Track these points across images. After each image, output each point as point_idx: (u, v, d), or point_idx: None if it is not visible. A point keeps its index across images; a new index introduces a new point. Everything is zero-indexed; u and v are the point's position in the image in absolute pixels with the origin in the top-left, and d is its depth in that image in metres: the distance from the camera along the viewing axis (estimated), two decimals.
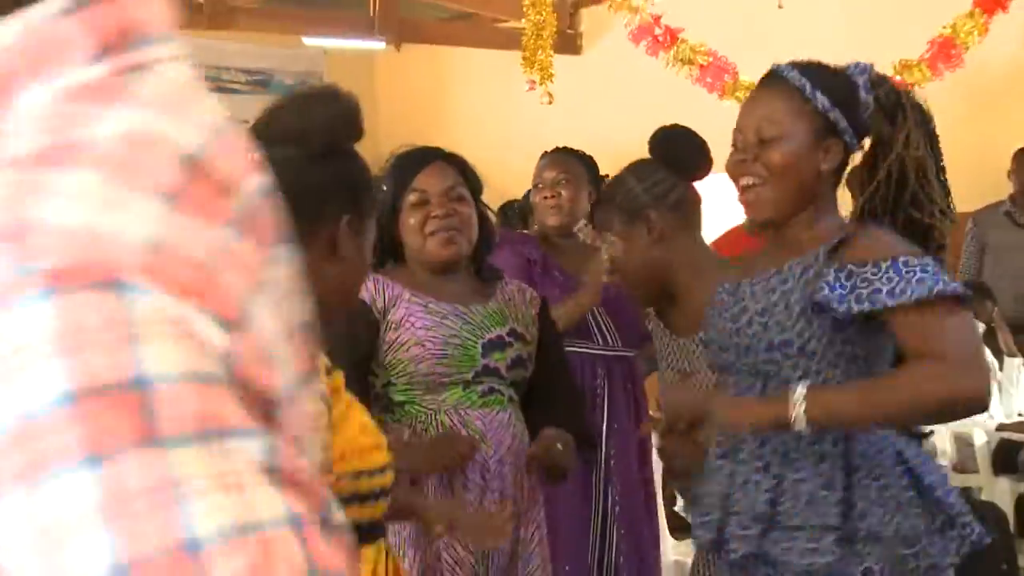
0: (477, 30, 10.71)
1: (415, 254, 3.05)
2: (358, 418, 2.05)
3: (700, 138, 3.26)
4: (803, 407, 2.22)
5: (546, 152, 4.50)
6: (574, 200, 4.15)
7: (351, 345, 2.82)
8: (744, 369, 2.51)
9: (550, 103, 7.76)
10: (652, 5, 7.85)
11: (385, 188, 3.06)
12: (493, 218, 3.40)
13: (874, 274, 2.28)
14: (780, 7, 8.66)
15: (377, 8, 10.03)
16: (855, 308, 2.27)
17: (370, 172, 2.24)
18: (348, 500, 1.94)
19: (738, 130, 2.52)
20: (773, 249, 2.56)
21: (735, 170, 2.52)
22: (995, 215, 7.44)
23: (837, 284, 2.31)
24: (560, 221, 4.17)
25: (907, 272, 2.25)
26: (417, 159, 3.12)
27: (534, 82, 7.74)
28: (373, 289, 3.00)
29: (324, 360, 2.02)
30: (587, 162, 4.43)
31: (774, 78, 2.52)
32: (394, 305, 3.00)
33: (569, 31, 10.30)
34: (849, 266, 2.31)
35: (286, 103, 2.14)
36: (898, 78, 7.76)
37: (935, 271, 2.28)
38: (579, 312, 3.81)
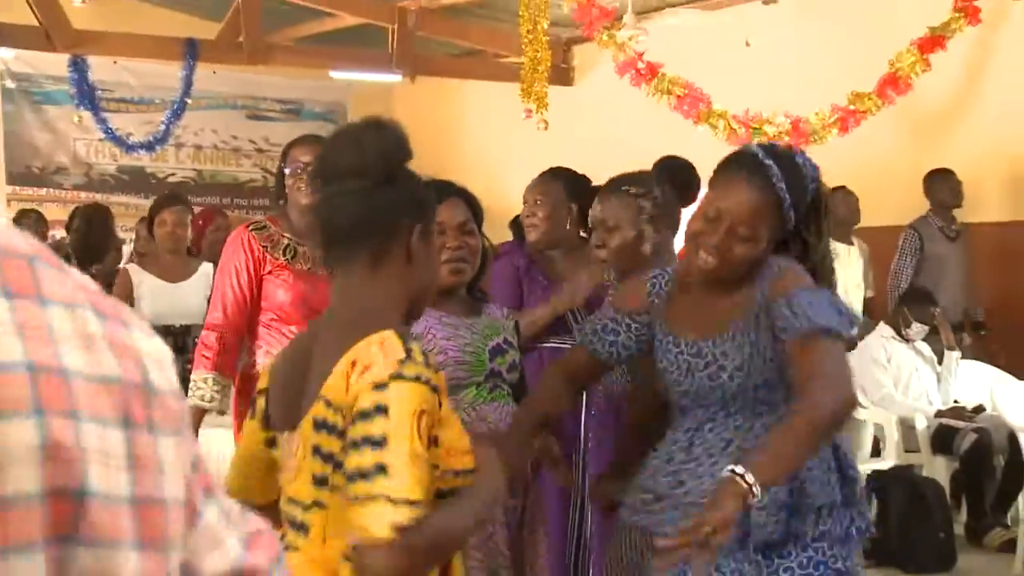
0: (482, 65, 10.77)
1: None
2: (456, 421, 2.06)
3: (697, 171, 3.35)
4: (756, 486, 2.21)
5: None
6: (549, 218, 4.12)
7: None
8: (719, 408, 2.56)
9: (545, 129, 7.78)
10: (636, 43, 7.88)
11: None
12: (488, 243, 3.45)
13: (781, 306, 2.40)
14: (747, 45, 8.73)
15: (395, 46, 10.07)
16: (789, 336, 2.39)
17: (423, 182, 2.26)
18: (443, 495, 1.94)
19: (713, 207, 2.50)
20: (708, 285, 2.57)
21: (699, 239, 2.51)
22: (930, 228, 7.43)
23: (785, 314, 2.40)
24: (536, 237, 4.14)
25: (796, 305, 2.39)
26: (436, 192, 3.15)
27: (531, 110, 7.76)
28: None
29: (431, 355, 2.09)
30: (571, 182, 4.38)
31: (757, 171, 2.48)
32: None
33: (563, 65, 10.33)
34: (775, 305, 2.41)
35: (339, 142, 2.17)
36: (851, 107, 7.85)
37: (832, 302, 2.43)
38: (552, 314, 3.79)
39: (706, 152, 8.25)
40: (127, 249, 8.89)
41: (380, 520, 1.78)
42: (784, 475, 2.34)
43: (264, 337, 3.58)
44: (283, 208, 3.82)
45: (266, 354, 3.49)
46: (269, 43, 9.86)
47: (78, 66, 9.97)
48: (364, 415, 1.85)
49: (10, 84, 10.34)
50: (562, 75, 10.14)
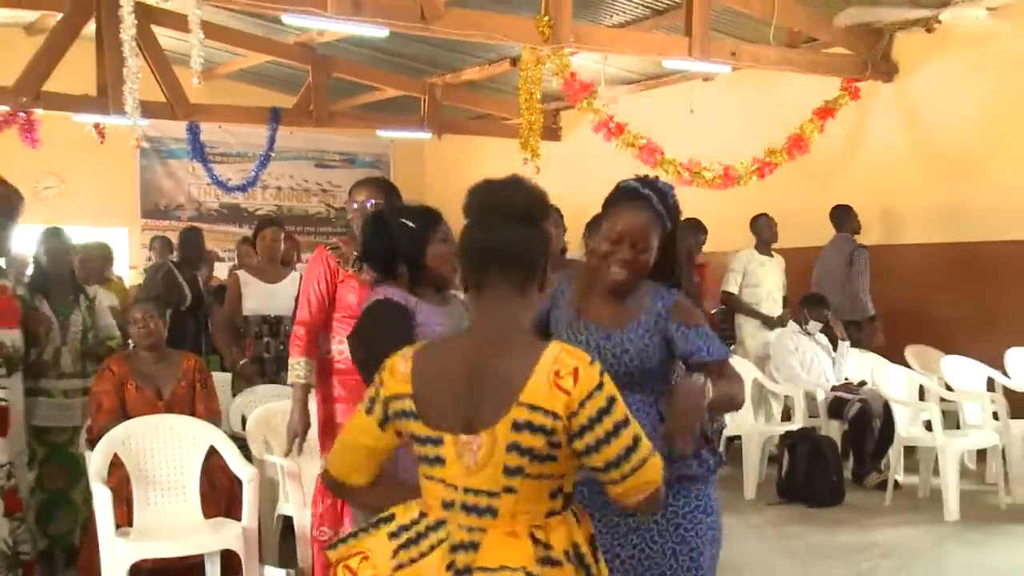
0: (491, 125, 10.79)
1: (435, 274, 3.02)
2: None
3: None
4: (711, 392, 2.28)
5: None
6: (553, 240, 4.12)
7: (404, 334, 2.81)
8: (623, 385, 2.39)
9: (537, 173, 7.73)
10: (607, 109, 7.90)
11: (414, 228, 3.02)
12: None
13: (696, 335, 2.40)
14: (691, 112, 8.82)
15: (426, 112, 10.19)
16: (694, 357, 2.39)
17: None
18: None
19: (615, 231, 2.42)
20: (615, 294, 2.48)
21: (609, 257, 2.42)
22: (827, 251, 7.38)
23: (680, 335, 2.40)
24: None
25: (709, 337, 2.42)
26: (436, 215, 3.09)
27: (527, 159, 7.71)
28: (407, 301, 2.97)
29: None
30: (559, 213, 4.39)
31: (642, 200, 2.43)
32: (414, 311, 2.96)
33: (552, 126, 10.35)
34: (682, 326, 2.41)
35: (508, 190, 1.97)
36: (766, 159, 7.90)
37: (714, 335, 2.47)
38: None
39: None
40: (220, 264, 8.98)
41: (657, 471, 1.81)
42: (723, 404, 2.38)
43: (337, 330, 3.49)
44: (351, 232, 3.67)
45: (340, 342, 3.41)
46: (332, 110, 9.90)
47: (192, 130, 10.07)
48: (604, 411, 1.77)
49: (145, 144, 10.39)
50: (552, 133, 10.18)
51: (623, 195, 2.46)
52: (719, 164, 7.86)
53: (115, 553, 3.63)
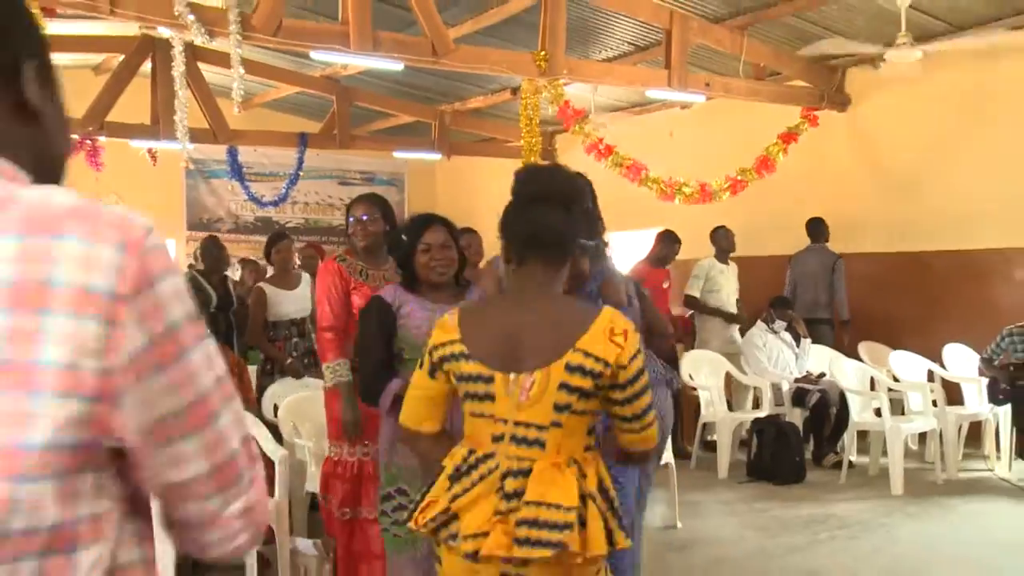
0: (495, 147, 10.74)
1: (422, 276, 2.98)
2: None
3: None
4: None
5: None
6: None
7: (384, 328, 2.88)
8: None
9: None
10: (598, 133, 7.92)
11: (404, 237, 3.01)
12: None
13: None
14: (671, 135, 8.86)
15: (436, 135, 10.20)
16: None
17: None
18: None
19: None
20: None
21: None
22: (803, 257, 7.39)
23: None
24: None
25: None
26: (423, 221, 3.04)
27: None
28: (390, 296, 2.95)
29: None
30: None
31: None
32: (401, 305, 2.94)
33: (549, 148, 10.36)
34: (608, 301, 2.44)
35: (555, 178, 2.02)
36: (738, 177, 7.92)
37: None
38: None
39: (643, 202, 8.43)
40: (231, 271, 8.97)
41: (655, 433, 1.93)
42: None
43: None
44: (353, 244, 3.59)
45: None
46: (353, 134, 9.93)
47: (232, 153, 10.10)
48: (641, 372, 1.84)
49: (191, 166, 10.45)
50: (548, 154, 10.16)
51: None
52: (696, 182, 7.88)
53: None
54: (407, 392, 2.02)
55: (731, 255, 7.34)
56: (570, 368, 1.81)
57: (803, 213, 7.53)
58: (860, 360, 6.64)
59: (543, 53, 6.45)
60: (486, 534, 1.76)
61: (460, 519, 1.81)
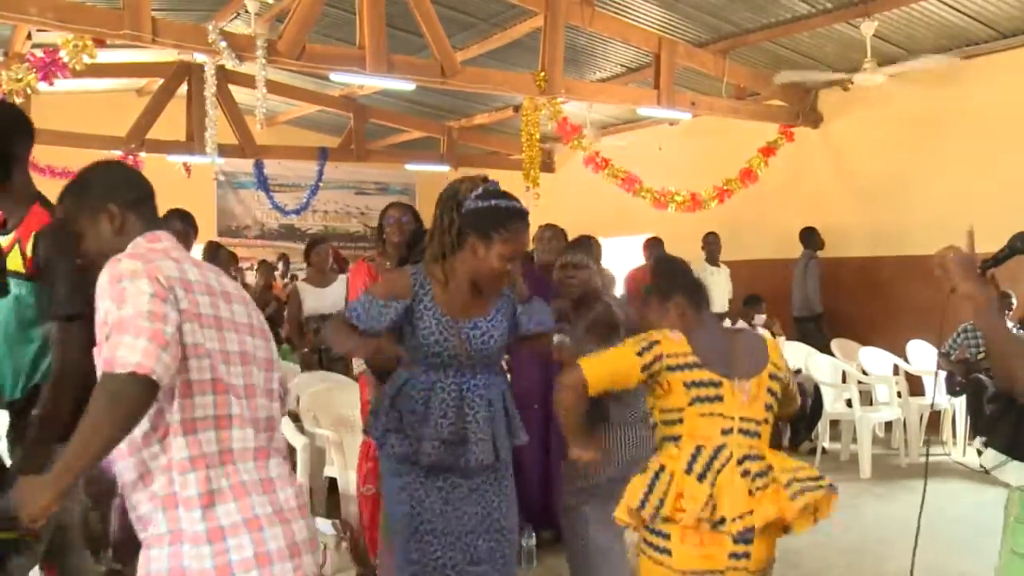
0: (499, 160, 10.65)
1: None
2: None
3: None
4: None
5: (540, 225, 4.30)
6: (557, 248, 4.09)
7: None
8: (483, 365, 2.37)
9: (537, 199, 7.77)
10: (594, 145, 7.93)
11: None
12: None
13: (531, 307, 2.47)
14: (660, 149, 8.85)
15: (445, 149, 10.21)
16: (531, 330, 2.46)
17: None
18: None
19: (520, 252, 2.38)
20: (472, 285, 2.36)
21: (513, 268, 2.36)
22: (800, 262, 7.30)
23: (523, 316, 2.45)
24: (549, 258, 4.00)
25: (542, 308, 2.50)
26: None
27: (529, 187, 7.70)
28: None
29: None
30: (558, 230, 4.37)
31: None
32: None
33: (548, 160, 10.36)
34: (518, 304, 2.46)
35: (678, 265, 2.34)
36: (724, 187, 7.93)
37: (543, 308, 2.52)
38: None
39: (639, 212, 8.39)
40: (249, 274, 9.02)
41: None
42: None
43: None
44: (383, 246, 3.59)
45: None
46: (369, 148, 9.96)
47: (258, 166, 10.07)
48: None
49: (221, 178, 10.54)
50: (548, 166, 10.20)
51: (520, 217, 2.39)
52: (687, 191, 7.90)
53: None
54: (606, 353, 2.10)
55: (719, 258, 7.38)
56: (772, 376, 2.11)
57: (781, 220, 7.55)
58: (832, 355, 6.66)
59: (543, 74, 6.49)
60: (750, 512, 1.96)
61: (718, 506, 1.97)
